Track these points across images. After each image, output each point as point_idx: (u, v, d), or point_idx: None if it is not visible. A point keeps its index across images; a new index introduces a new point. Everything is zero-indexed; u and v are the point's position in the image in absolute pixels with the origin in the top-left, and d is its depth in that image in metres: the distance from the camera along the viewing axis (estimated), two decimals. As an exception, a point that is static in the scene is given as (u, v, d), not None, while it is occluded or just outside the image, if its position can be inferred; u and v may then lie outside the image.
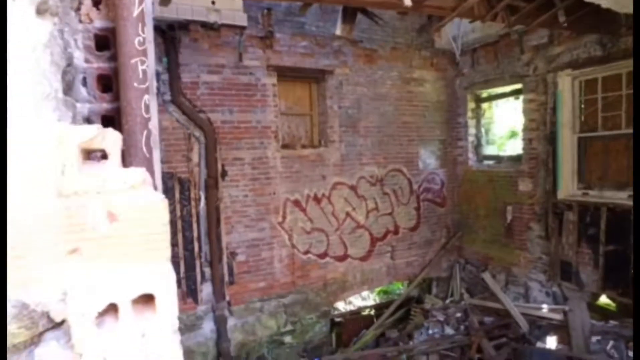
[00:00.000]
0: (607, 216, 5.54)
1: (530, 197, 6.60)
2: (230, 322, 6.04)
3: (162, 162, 5.00)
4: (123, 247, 0.94)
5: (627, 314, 5.50)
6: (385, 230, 7.45)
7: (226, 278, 5.98)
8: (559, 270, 6.21)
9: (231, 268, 6.04)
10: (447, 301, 7.59)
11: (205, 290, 5.87)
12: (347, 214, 7.03)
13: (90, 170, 0.99)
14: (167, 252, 0.98)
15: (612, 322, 5.51)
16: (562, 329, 5.69)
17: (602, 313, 5.93)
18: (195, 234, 5.72)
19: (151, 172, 1.33)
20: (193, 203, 5.69)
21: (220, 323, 5.90)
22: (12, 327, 0.87)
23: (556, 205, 6.18)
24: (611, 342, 5.19)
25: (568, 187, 6.07)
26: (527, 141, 6.64)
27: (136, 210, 0.94)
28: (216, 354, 5.93)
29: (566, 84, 5.95)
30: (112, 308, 0.92)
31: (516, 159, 7.10)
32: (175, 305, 0.95)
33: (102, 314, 0.91)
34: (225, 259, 5.94)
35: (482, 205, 7.56)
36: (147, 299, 0.94)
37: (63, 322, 0.93)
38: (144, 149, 1.39)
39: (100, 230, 0.92)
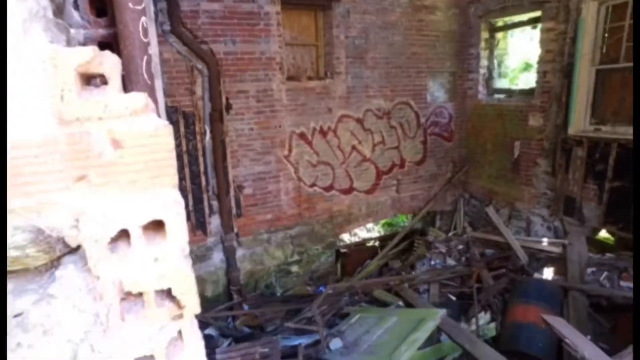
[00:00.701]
0: (617, 152, 5.45)
1: (540, 132, 6.48)
2: (239, 252, 6.28)
3: (165, 95, 4.90)
4: (130, 174, 0.94)
5: (624, 248, 5.63)
6: (391, 164, 7.46)
7: (234, 211, 6.11)
8: (562, 205, 6.26)
9: (238, 201, 6.15)
10: (450, 234, 7.78)
11: (214, 222, 6.03)
12: (353, 147, 7.00)
13: (91, 96, 0.95)
14: (175, 178, 0.97)
15: (608, 255, 5.65)
16: (559, 261, 5.87)
17: (600, 246, 6.08)
18: (201, 168, 5.76)
19: (154, 99, 1.29)
20: (198, 137, 5.66)
21: (229, 254, 6.13)
22: (31, 250, 0.91)
23: (566, 140, 6.08)
24: (605, 273, 5.35)
25: (580, 122, 5.92)
26: (542, 74, 6.37)
27: (140, 137, 0.93)
28: (226, 282, 6.23)
29: (591, 10, 5.56)
30: (124, 234, 0.94)
31: (528, 92, 6.87)
32: (185, 230, 0.97)
33: (114, 239, 0.93)
34: (232, 192, 6.03)
35: (489, 140, 7.47)
36: (157, 225, 0.95)
37: (78, 247, 0.96)
38: (145, 75, 1.33)
39: (106, 157, 0.91)
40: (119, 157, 0.91)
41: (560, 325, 3.51)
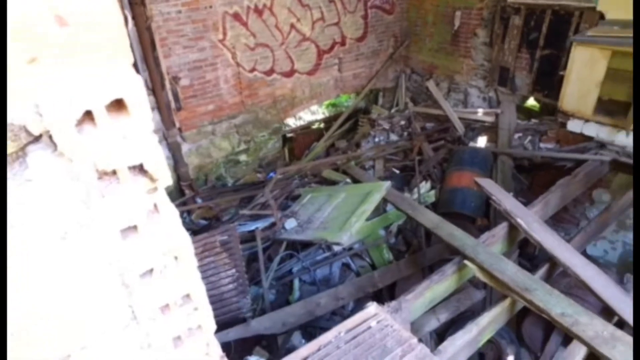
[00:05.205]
0: (550, 19, 5.58)
1: (480, 0, 6.39)
2: (185, 147, 6.12)
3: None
4: (83, 54, 0.91)
5: (548, 113, 6.13)
6: (332, 42, 7.18)
7: (172, 104, 5.77)
8: (497, 76, 6.52)
9: (176, 94, 5.78)
10: (393, 110, 7.98)
11: (154, 119, 5.69)
12: (292, 26, 6.58)
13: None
14: (129, 55, 0.95)
15: (533, 121, 6.16)
16: (492, 129, 6.34)
17: (527, 113, 6.57)
18: (129, 60, 5.21)
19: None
20: (118, 24, 4.98)
21: (174, 150, 5.96)
22: None
23: (504, 9, 6.08)
24: (529, 137, 5.90)
25: (520, -13, 5.86)
26: None
27: (85, 14, 0.88)
28: (176, 179, 6.14)
29: None
30: (89, 116, 0.94)
31: (471, -44, 6.55)
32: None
33: (80, 122, 0.94)
34: (168, 85, 5.62)
35: (431, 12, 7.29)
36: (119, 105, 0.96)
37: (41, 135, 0.98)
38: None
39: (54, 37, 0.86)
40: (67, 36, 0.87)
41: (489, 185, 3.98)
